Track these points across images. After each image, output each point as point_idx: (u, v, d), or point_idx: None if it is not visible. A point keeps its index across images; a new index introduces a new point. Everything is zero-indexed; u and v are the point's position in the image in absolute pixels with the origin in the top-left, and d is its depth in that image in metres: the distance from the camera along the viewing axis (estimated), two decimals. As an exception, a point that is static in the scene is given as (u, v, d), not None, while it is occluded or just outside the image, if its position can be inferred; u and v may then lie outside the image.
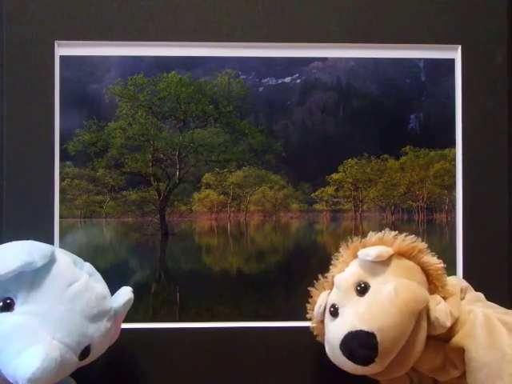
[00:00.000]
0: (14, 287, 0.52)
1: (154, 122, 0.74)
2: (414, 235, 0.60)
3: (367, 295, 0.55)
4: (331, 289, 0.60)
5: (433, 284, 0.58)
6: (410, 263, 0.58)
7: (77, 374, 0.57)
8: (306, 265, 0.72)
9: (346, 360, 0.53)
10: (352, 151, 0.75)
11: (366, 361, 0.52)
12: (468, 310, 0.58)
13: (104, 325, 0.56)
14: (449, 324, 0.55)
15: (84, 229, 0.73)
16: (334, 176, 0.75)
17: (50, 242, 0.70)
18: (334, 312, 0.57)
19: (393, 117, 0.75)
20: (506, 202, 0.73)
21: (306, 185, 0.75)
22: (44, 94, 0.71)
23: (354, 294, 0.56)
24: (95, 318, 0.55)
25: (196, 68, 0.74)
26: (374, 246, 0.58)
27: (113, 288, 0.61)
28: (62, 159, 0.72)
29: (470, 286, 0.63)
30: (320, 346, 0.60)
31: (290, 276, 0.74)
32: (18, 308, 0.52)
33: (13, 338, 0.49)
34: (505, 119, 0.73)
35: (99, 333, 0.56)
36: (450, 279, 0.61)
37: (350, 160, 0.75)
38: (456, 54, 0.74)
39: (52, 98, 0.71)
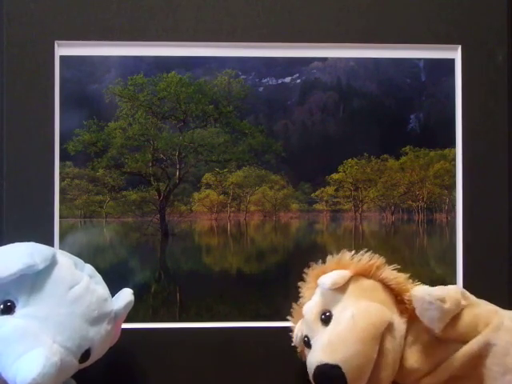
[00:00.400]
0: (15, 290, 0.52)
1: (154, 121, 0.74)
2: (371, 251, 0.60)
3: (330, 325, 0.56)
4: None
5: (399, 296, 0.58)
6: (370, 282, 0.58)
7: (77, 374, 0.57)
8: (306, 265, 0.72)
9: None
10: (352, 151, 0.75)
11: None
12: (494, 310, 0.57)
13: (104, 327, 0.56)
14: (447, 306, 0.54)
15: (84, 229, 0.73)
16: (334, 176, 0.75)
17: (50, 242, 0.70)
18: (307, 343, 0.59)
19: (393, 117, 0.75)
20: (506, 202, 0.73)
21: (305, 185, 0.75)
22: (44, 93, 0.71)
23: (320, 324, 0.57)
24: (96, 320, 0.55)
25: (196, 68, 0.74)
26: (331, 273, 0.58)
27: (113, 288, 0.61)
28: (62, 159, 0.72)
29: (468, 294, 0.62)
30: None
31: (290, 276, 0.74)
32: (18, 311, 0.52)
33: (13, 341, 0.49)
34: (505, 119, 0.73)
35: (99, 336, 0.56)
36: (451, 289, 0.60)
37: (349, 160, 0.75)
38: (456, 54, 0.74)
39: (52, 98, 0.71)
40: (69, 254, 0.60)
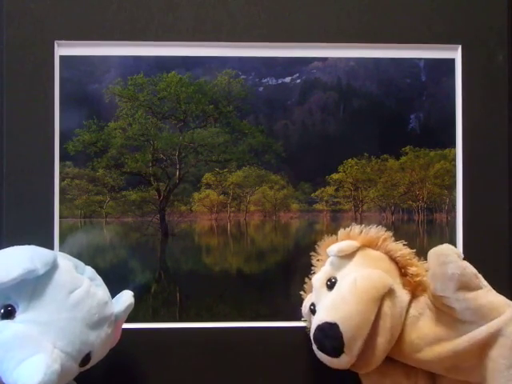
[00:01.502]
0: (15, 294, 0.52)
1: (154, 122, 0.74)
2: (380, 226, 0.63)
3: (334, 289, 0.58)
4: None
5: (403, 268, 0.60)
6: (377, 253, 0.61)
7: (77, 375, 0.57)
8: (306, 265, 0.72)
9: (322, 353, 0.56)
10: (352, 151, 0.75)
11: (335, 351, 0.54)
12: (508, 302, 0.56)
13: (105, 331, 0.56)
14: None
15: (84, 229, 0.73)
16: (334, 176, 0.75)
17: (50, 242, 0.70)
18: (313, 310, 0.61)
19: (393, 117, 0.75)
20: (506, 202, 0.73)
21: (305, 185, 0.75)
22: (44, 93, 0.71)
23: (325, 289, 0.60)
24: (96, 325, 0.55)
25: (196, 68, 0.74)
26: (340, 242, 0.62)
27: (113, 288, 0.61)
28: (62, 159, 0.72)
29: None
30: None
31: (290, 276, 0.74)
32: (19, 316, 0.52)
33: (14, 346, 0.49)
34: (505, 119, 0.73)
35: (100, 339, 0.56)
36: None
37: (350, 160, 0.75)
38: (456, 53, 0.74)
39: (52, 98, 0.71)
40: (69, 257, 0.60)
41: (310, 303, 0.63)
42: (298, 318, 0.69)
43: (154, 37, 0.72)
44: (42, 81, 0.71)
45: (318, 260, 0.67)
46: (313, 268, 0.67)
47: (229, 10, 0.72)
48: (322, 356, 0.57)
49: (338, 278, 0.59)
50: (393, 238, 0.63)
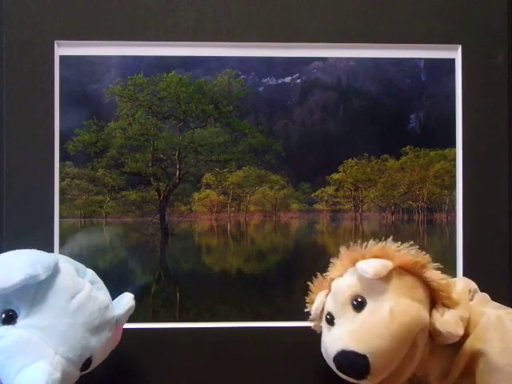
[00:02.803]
0: (17, 299, 0.52)
1: (154, 122, 0.74)
2: (417, 246, 0.58)
3: (363, 313, 0.54)
4: (329, 290, 0.60)
5: (436, 296, 0.57)
6: (411, 278, 0.56)
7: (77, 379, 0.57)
8: (306, 265, 0.72)
9: (340, 372, 0.54)
10: (352, 151, 0.75)
11: (358, 378, 0.52)
12: (480, 311, 0.57)
13: (105, 335, 0.56)
14: (461, 332, 0.54)
15: (84, 229, 0.73)
16: (334, 176, 0.75)
17: (50, 242, 0.70)
18: (330, 321, 0.57)
19: (393, 117, 0.75)
20: (506, 202, 0.73)
21: (306, 185, 0.75)
22: (44, 93, 0.71)
23: (350, 307, 0.55)
24: (97, 329, 0.55)
25: (196, 68, 0.74)
26: (374, 260, 0.56)
27: (113, 288, 0.61)
28: (61, 159, 0.72)
29: (477, 287, 0.62)
30: (320, 346, 0.60)
31: (290, 276, 0.74)
32: (20, 321, 0.51)
33: (16, 352, 0.49)
34: (505, 119, 0.73)
35: (101, 344, 0.55)
36: (458, 281, 0.60)
37: (350, 160, 0.75)
38: (456, 53, 0.74)
39: (52, 98, 0.71)
40: (70, 260, 0.60)
41: (326, 310, 0.59)
42: (298, 318, 0.69)
43: (154, 37, 0.72)
44: (42, 81, 0.71)
45: (339, 265, 0.60)
46: (331, 267, 0.61)
47: (229, 9, 0.72)
48: (338, 373, 0.54)
49: (368, 301, 0.55)
50: (431, 263, 0.57)
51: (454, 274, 0.73)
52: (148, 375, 0.71)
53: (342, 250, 0.60)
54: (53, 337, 0.51)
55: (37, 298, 0.52)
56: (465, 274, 0.73)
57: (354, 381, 0.53)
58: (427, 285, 0.56)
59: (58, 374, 0.49)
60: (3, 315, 0.51)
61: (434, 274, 0.56)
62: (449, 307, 0.56)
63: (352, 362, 0.51)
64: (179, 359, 0.71)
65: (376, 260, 0.56)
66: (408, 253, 0.57)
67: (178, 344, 0.71)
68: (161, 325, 0.72)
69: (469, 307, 0.57)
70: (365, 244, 0.59)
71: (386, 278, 0.55)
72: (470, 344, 0.55)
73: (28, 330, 0.50)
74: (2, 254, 0.56)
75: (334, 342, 0.54)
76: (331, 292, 0.59)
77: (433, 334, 0.56)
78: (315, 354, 0.59)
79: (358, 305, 0.55)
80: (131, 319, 0.63)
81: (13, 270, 0.51)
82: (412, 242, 0.58)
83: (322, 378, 0.70)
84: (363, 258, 0.57)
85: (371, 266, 0.54)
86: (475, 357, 0.55)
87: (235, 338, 0.72)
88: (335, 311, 0.57)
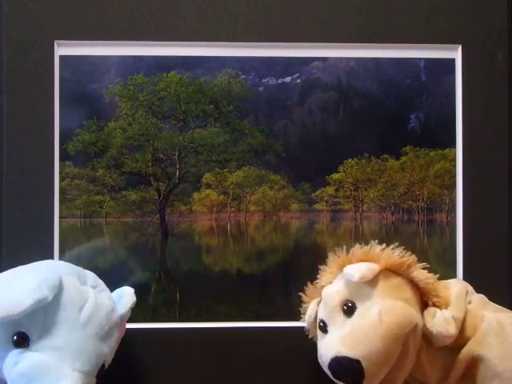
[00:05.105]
0: (27, 322, 0.51)
1: (154, 122, 0.74)
2: (402, 247, 0.58)
3: (353, 317, 0.55)
4: (321, 298, 0.60)
5: (425, 296, 0.57)
6: (398, 279, 0.57)
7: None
8: (306, 265, 0.72)
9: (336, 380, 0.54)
10: (352, 151, 0.75)
11: (354, 383, 0.52)
12: (480, 315, 0.57)
13: (114, 337, 0.57)
14: (453, 331, 0.54)
15: (84, 229, 0.73)
16: (334, 176, 0.75)
17: (50, 242, 0.70)
18: (323, 328, 0.58)
19: (393, 117, 0.75)
20: (506, 202, 0.73)
21: (306, 185, 0.75)
22: (44, 93, 0.71)
23: (341, 313, 0.56)
24: (107, 335, 0.55)
25: (196, 68, 0.74)
26: (359, 264, 0.56)
27: (113, 289, 0.62)
28: (61, 159, 0.72)
29: (472, 289, 0.62)
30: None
31: (290, 276, 0.74)
32: (34, 343, 0.51)
33: (35, 377, 0.49)
34: (505, 119, 0.73)
35: (111, 348, 0.56)
36: (454, 283, 0.60)
37: (350, 160, 0.75)
38: (456, 53, 0.74)
39: (52, 98, 0.71)
40: (69, 267, 0.59)
41: (319, 317, 0.59)
42: (298, 318, 0.68)
43: (154, 37, 0.72)
44: (42, 81, 0.71)
45: (327, 272, 0.61)
46: (320, 275, 0.62)
47: (229, 10, 0.72)
48: (335, 379, 0.55)
49: (358, 305, 0.55)
50: (417, 263, 0.58)
51: (454, 275, 0.73)
52: (148, 375, 0.71)
53: (330, 256, 0.61)
54: (68, 354, 0.51)
55: (47, 319, 0.52)
56: (465, 274, 0.73)
57: None
58: (415, 285, 0.57)
59: None
60: (15, 337, 0.51)
61: (420, 274, 0.57)
62: (440, 307, 0.56)
63: (346, 367, 0.52)
64: (179, 359, 0.71)
65: (362, 264, 0.56)
66: (393, 254, 0.57)
67: (178, 344, 0.71)
68: (161, 325, 0.72)
69: (464, 308, 0.57)
70: (351, 249, 0.59)
71: (373, 281, 0.55)
72: (469, 348, 0.55)
73: (43, 352, 0.50)
74: (4, 274, 0.56)
75: (327, 349, 0.55)
76: (322, 299, 0.59)
77: (427, 335, 0.56)
78: (315, 354, 0.59)
79: (349, 310, 0.55)
80: (131, 319, 0.63)
81: (20, 295, 0.50)
82: (397, 243, 0.59)
83: (321, 378, 0.70)
84: (350, 262, 0.58)
85: (357, 270, 0.55)
86: (475, 361, 0.55)
87: (235, 338, 0.72)
88: (327, 318, 0.57)
